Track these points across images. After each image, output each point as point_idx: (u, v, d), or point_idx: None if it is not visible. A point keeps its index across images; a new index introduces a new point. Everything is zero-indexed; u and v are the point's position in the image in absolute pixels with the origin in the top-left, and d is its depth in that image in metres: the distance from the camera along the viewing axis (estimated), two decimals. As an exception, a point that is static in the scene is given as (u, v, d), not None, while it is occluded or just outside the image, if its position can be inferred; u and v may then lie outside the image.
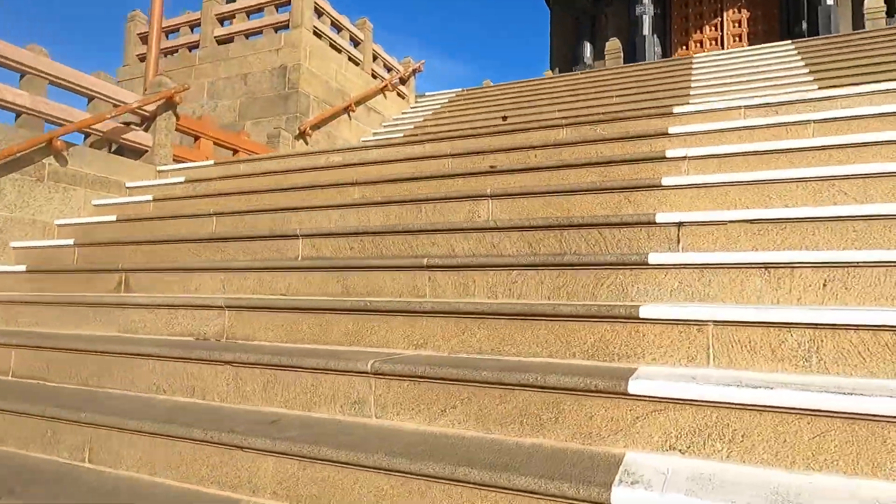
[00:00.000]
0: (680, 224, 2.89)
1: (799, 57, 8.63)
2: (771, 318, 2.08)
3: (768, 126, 3.82)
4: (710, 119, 4.29)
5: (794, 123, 3.74)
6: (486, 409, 2.15)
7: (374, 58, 10.68)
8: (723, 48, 17.24)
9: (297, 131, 8.21)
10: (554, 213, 3.55)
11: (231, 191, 5.02)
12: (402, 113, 11.00)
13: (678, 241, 2.90)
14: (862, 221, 2.57)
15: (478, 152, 4.65)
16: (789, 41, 9.80)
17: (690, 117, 4.38)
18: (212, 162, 6.08)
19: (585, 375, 2.03)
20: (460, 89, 11.81)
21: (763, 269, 2.43)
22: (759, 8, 16.98)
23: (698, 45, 17.47)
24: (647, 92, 8.62)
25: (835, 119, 3.71)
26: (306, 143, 8.19)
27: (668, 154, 3.69)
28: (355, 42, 10.15)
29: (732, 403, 1.81)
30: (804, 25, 15.57)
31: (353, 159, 5.20)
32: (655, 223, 2.94)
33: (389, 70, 11.11)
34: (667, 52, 17.37)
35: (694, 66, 9.50)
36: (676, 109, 4.51)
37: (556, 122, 4.87)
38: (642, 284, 2.65)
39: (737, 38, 17.17)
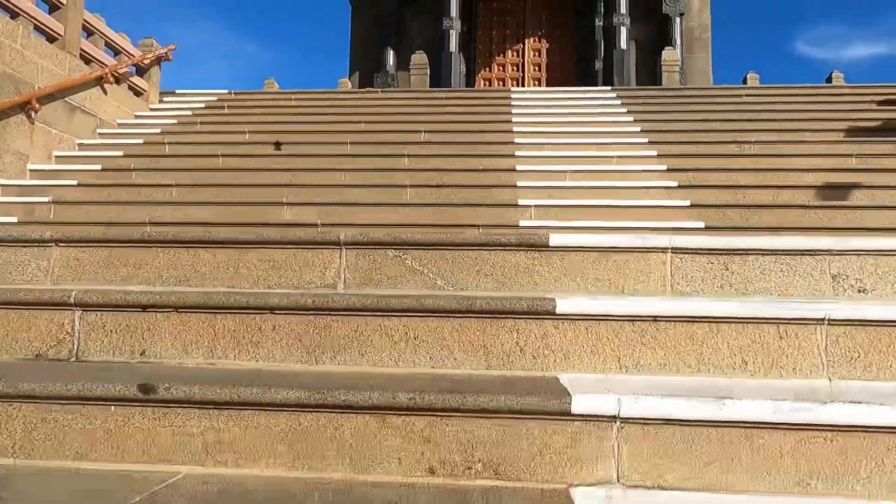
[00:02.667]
0: None
1: (626, 110, 7.34)
2: None
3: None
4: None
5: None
6: None
7: (89, 33, 7.11)
8: (523, 74, 16.51)
9: None
10: None
11: None
12: (136, 116, 7.59)
13: None
14: None
15: (140, 308, 1.98)
16: (609, 88, 8.61)
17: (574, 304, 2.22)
18: None
19: None
20: (226, 91, 8.69)
21: None
22: (557, 42, 16.47)
23: (501, 68, 16.47)
24: (462, 143, 6.63)
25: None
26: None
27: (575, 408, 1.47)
28: (52, 6, 6.52)
29: None
30: (598, 65, 15.29)
31: None
32: None
33: (117, 54, 7.60)
34: (471, 72, 16.02)
35: (513, 107, 7.75)
36: (560, 309, 2.31)
37: (328, 242, 2.36)
38: None
39: (536, 67, 16.49)
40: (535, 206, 4.99)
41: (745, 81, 11.09)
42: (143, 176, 5.84)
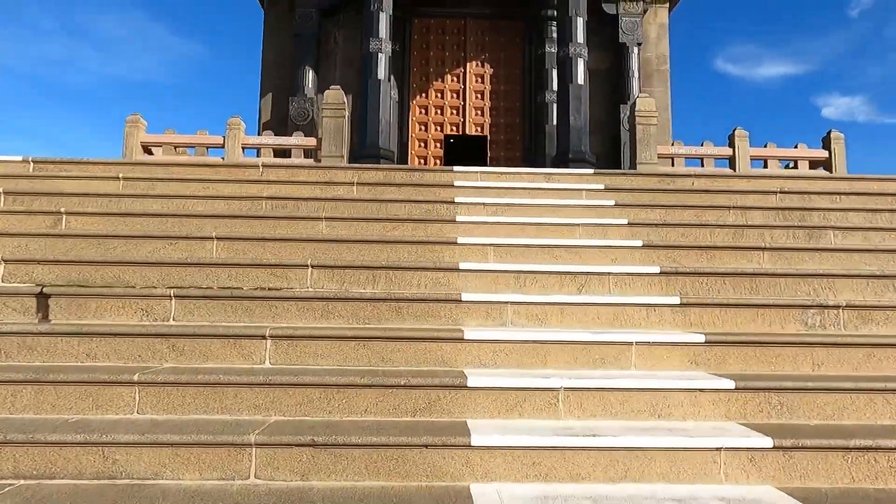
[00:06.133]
0: None
1: (625, 221, 4.73)
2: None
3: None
4: None
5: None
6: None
7: None
8: (464, 104, 13.89)
9: None
10: None
11: None
12: None
13: None
14: None
15: None
16: (592, 172, 5.98)
17: None
18: None
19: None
20: (20, 158, 5.43)
21: None
22: (503, 68, 13.92)
23: (439, 94, 13.74)
24: (371, 301, 3.79)
25: None
26: None
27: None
28: None
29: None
30: (549, 96, 12.87)
31: None
32: None
33: None
34: (404, 100, 13.20)
35: (458, 208, 4.97)
36: None
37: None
38: None
39: (479, 96, 13.87)
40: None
41: (730, 141, 8.84)
42: None
